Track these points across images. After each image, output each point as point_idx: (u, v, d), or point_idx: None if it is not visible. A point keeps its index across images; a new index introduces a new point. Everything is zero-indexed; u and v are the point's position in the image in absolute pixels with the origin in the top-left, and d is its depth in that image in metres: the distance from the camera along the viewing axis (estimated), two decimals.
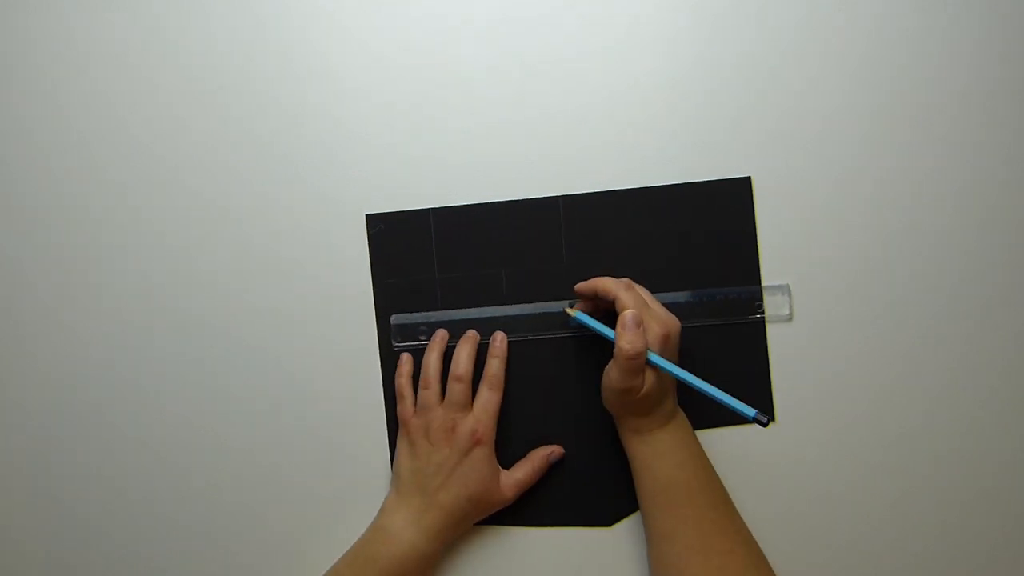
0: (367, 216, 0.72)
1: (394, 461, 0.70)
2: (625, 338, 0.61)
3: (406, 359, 0.71)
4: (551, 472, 0.71)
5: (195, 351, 0.72)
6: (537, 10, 0.72)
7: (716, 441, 0.70)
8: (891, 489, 0.71)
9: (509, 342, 0.70)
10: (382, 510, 0.68)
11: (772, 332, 0.71)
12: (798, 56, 0.72)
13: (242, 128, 0.72)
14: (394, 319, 0.71)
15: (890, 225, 0.71)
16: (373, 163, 0.72)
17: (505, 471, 0.69)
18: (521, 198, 0.72)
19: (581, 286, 0.68)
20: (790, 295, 0.70)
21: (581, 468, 0.71)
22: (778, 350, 0.71)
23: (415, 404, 0.69)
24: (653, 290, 0.69)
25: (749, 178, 0.71)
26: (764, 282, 0.71)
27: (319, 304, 0.72)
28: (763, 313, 0.70)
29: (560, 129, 0.72)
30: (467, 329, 0.71)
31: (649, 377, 0.62)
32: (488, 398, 0.68)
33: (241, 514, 0.72)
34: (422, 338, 0.71)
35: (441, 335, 0.70)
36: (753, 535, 0.65)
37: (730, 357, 0.71)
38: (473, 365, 0.69)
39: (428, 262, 0.72)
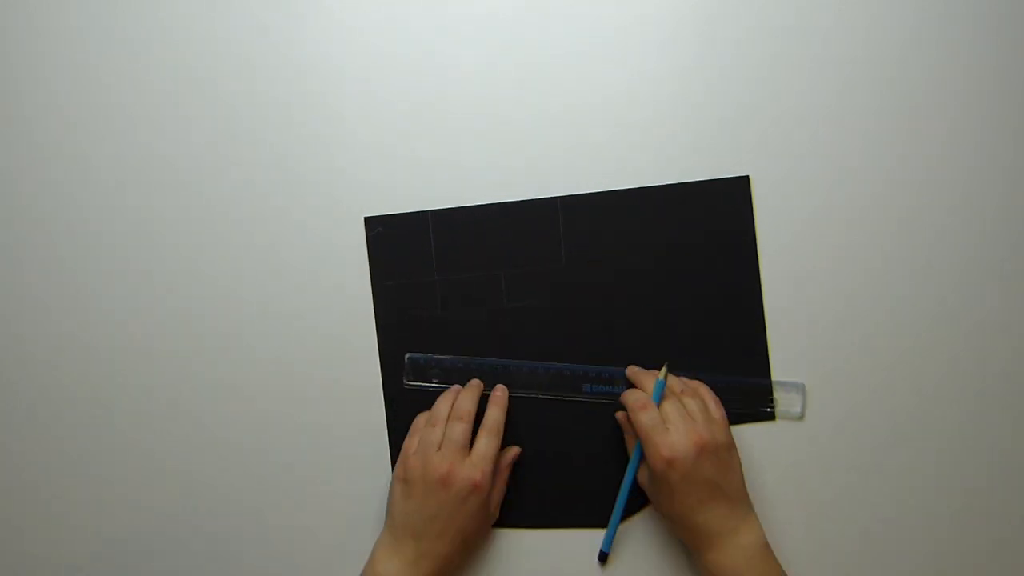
0: (366, 218, 0.72)
1: (389, 499, 0.68)
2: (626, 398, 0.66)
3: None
4: (552, 473, 0.71)
5: (193, 352, 0.71)
6: (536, 11, 0.72)
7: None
8: (904, 487, 0.71)
9: (512, 396, 0.70)
10: (374, 557, 0.66)
11: (772, 332, 0.71)
12: (797, 56, 0.72)
13: (241, 130, 0.72)
14: (408, 357, 0.71)
15: (889, 223, 0.72)
16: (372, 165, 0.72)
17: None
18: (519, 199, 0.72)
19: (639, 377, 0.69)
20: (804, 394, 0.71)
21: (580, 469, 0.71)
22: (779, 351, 0.71)
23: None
24: (653, 291, 0.70)
25: (747, 177, 0.72)
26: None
27: (318, 306, 0.72)
28: (773, 408, 0.71)
29: (558, 130, 0.72)
30: (479, 375, 0.71)
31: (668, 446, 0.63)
32: (487, 443, 0.67)
33: (239, 514, 0.71)
34: (434, 380, 0.71)
35: (456, 388, 0.70)
36: None
37: (731, 358, 0.71)
38: (476, 410, 0.68)
39: (427, 264, 0.72)
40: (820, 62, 0.72)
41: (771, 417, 0.71)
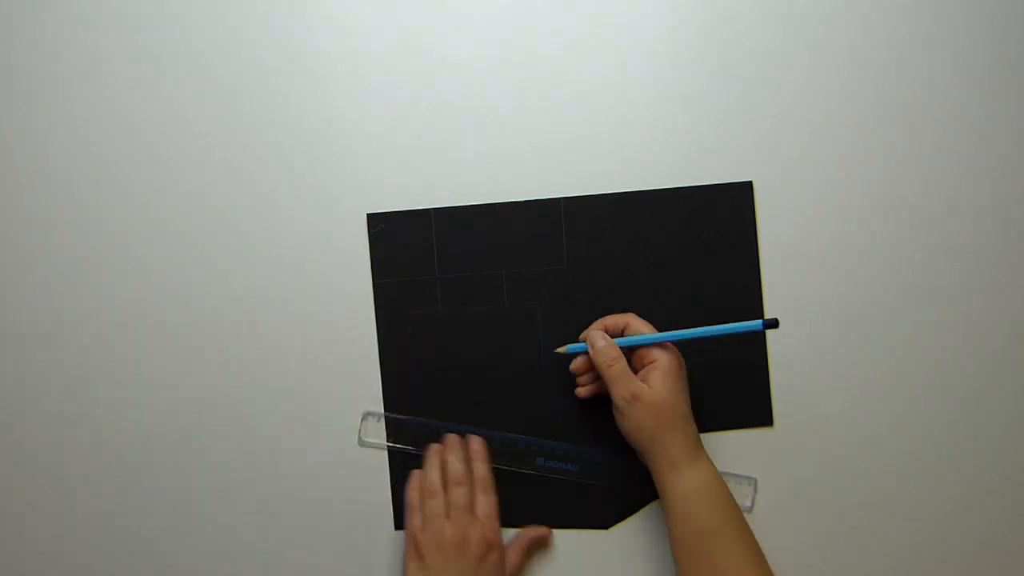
0: (368, 215, 0.72)
1: None
2: (598, 352, 0.66)
3: (417, 474, 0.69)
4: (551, 475, 0.71)
5: (195, 350, 0.71)
6: (539, 11, 0.72)
7: (718, 444, 0.71)
8: (890, 491, 0.71)
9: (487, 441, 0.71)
10: None
11: (772, 335, 0.71)
12: (801, 60, 0.72)
13: (243, 128, 0.72)
14: (365, 414, 0.71)
15: (891, 228, 0.72)
16: (374, 162, 0.72)
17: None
18: (522, 199, 0.72)
19: (586, 333, 0.69)
20: (756, 488, 0.71)
21: (579, 471, 0.71)
22: (778, 356, 0.71)
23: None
24: (652, 292, 0.71)
25: (751, 182, 0.72)
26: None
27: (319, 303, 0.72)
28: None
29: (562, 131, 0.72)
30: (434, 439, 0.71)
31: (633, 386, 0.64)
32: (487, 502, 0.68)
33: (237, 510, 0.71)
34: (390, 441, 0.71)
35: (436, 448, 0.70)
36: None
37: (730, 361, 0.71)
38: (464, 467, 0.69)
39: (429, 262, 0.72)
40: (825, 66, 0.72)
41: (769, 423, 0.71)
